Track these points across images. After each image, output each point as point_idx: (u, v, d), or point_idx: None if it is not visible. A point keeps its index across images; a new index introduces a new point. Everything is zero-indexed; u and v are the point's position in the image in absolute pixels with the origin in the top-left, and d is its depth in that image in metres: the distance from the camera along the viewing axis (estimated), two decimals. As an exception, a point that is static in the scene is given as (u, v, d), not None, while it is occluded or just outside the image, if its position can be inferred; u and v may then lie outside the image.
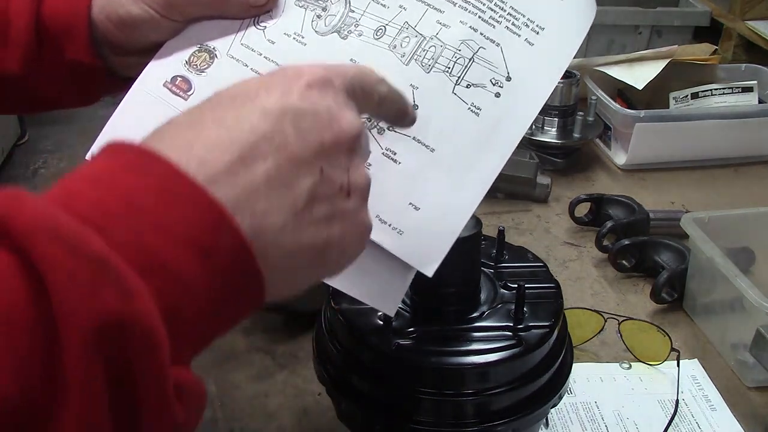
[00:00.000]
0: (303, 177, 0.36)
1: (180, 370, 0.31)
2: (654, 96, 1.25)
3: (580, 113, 1.16)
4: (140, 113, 0.53)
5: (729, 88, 1.22)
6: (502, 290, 0.61)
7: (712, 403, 0.74)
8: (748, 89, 1.22)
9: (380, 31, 0.52)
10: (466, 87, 0.50)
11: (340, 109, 0.38)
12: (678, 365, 0.76)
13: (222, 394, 0.74)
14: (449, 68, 0.51)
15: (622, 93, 1.27)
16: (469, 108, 0.50)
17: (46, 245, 0.27)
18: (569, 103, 1.14)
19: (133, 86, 0.54)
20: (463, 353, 0.55)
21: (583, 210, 1.02)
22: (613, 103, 1.16)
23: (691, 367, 0.78)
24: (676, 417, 0.72)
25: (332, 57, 0.51)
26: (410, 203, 0.49)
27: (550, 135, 1.14)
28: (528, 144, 1.13)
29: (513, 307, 0.58)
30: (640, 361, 0.79)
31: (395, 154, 0.49)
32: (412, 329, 0.57)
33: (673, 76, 1.24)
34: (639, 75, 1.20)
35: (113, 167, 0.32)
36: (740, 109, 1.20)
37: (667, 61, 1.21)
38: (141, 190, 0.31)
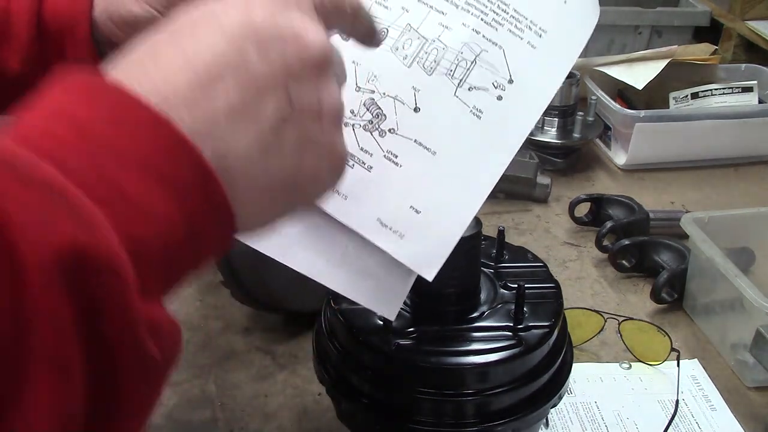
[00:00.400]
0: (267, 100, 0.34)
1: (151, 307, 0.29)
2: (654, 96, 1.25)
3: (580, 113, 1.15)
4: None
5: (729, 88, 1.22)
6: (502, 290, 0.61)
7: (712, 403, 0.74)
8: (748, 89, 1.22)
9: (382, 33, 0.52)
10: (468, 90, 0.50)
11: (304, 25, 0.36)
12: (678, 365, 0.76)
13: (222, 394, 0.74)
14: (451, 71, 0.50)
15: (622, 93, 1.27)
16: (470, 111, 0.50)
17: None
18: (569, 103, 1.14)
19: None
20: (463, 353, 0.55)
21: (583, 210, 1.02)
22: (613, 103, 1.16)
23: (691, 367, 0.78)
24: (676, 417, 0.72)
25: None
26: (411, 207, 0.48)
27: (550, 135, 1.14)
28: (528, 144, 1.13)
29: (513, 307, 0.58)
30: (640, 361, 0.79)
31: (396, 157, 0.49)
32: (412, 329, 0.57)
33: (673, 76, 1.24)
34: (639, 75, 1.20)
35: (63, 99, 0.30)
36: (740, 109, 1.20)
37: (667, 61, 1.21)
38: (95, 121, 0.30)
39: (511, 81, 0.50)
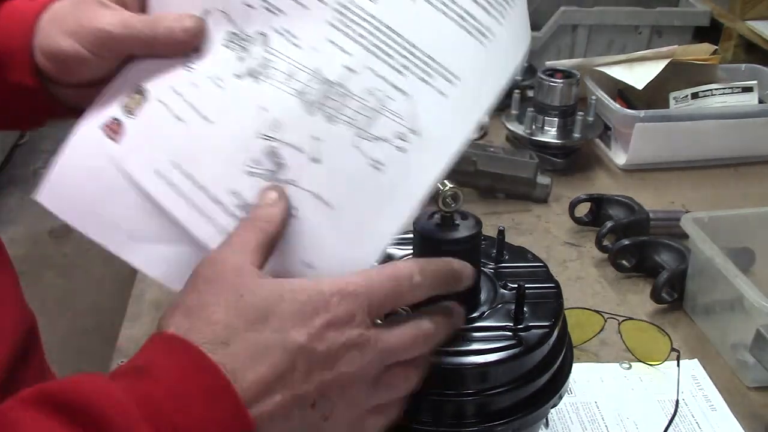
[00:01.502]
0: (299, 409, 0.43)
1: None
2: (654, 96, 1.25)
3: (580, 113, 1.15)
4: (83, 158, 0.52)
5: (729, 88, 1.22)
6: (502, 290, 0.61)
7: (712, 403, 0.74)
8: (748, 89, 1.22)
9: (291, 75, 0.49)
10: (369, 141, 0.48)
11: (352, 344, 0.44)
12: (678, 365, 0.76)
13: (222, 394, 0.74)
14: (353, 120, 0.48)
15: (622, 93, 1.27)
16: (369, 164, 0.48)
17: None
18: (569, 103, 1.14)
19: (75, 126, 0.53)
20: (463, 353, 0.55)
21: (583, 210, 1.02)
22: (613, 103, 1.16)
23: (691, 367, 0.78)
24: (676, 417, 0.72)
25: (244, 103, 0.49)
26: (303, 261, 0.48)
27: (550, 135, 1.14)
28: (528, 144, 1.13)
29: (513, 307, 0.58)
30: (640, 361, 0.79)
31: (297, 210, 0.48)
32: (412, 329, 0.56)
33: (673, 76, 1.24)
34: (639, 75, 1.20)
35: (190, 388, 0.40)
36: (740, 109, 1.20)
37: (667, 61, 1.21)
38: (206, 419, 0.40)
39: (415, 132, 0.48)
